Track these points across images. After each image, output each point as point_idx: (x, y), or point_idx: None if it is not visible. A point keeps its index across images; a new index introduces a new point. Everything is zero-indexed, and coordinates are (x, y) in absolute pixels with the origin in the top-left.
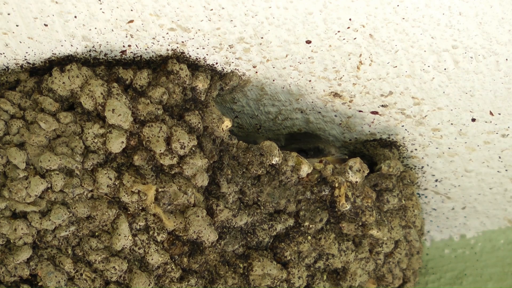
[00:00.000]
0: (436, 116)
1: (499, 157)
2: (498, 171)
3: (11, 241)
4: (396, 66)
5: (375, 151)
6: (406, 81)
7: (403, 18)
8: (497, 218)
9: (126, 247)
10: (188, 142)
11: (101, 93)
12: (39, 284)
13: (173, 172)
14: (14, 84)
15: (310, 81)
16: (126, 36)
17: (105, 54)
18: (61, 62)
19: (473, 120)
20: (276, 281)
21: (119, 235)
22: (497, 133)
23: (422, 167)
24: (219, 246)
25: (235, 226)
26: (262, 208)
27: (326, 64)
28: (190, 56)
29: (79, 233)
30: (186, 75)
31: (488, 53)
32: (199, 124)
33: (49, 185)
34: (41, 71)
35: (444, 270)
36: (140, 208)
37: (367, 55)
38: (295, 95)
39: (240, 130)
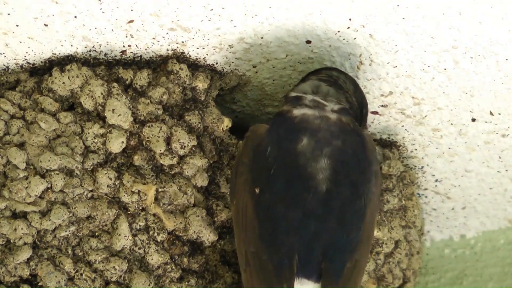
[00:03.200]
0: (436, 116)
1: (499, 157)
2: (498, 171)
3: (11, 241)
4: (396, 66)
5: None
6: (406, 81)
7: (403, 18)
8: (497, 218)
9: (126, 247)
10: (188, 142)
11: (101, 93)
12: (39, 284)
13: (173, 172)
14: (14, 84)
15: None
16: (126, 36)
17: (105, 54)
18: (61, 62)
19: (473, 120)
20: None
21: (119, 235)
22: (497, 133)
23: (422, 167)
24: (219, 246)
25: None
26: None
27: (326, 64)
28: (190, 56)
29: (79, 233)
30: (186, 75)
31: (488, 53)
32: (199, 124)
33: (49, 185)
34: (41, 71)
35: (444, 270)
36: (140, 208)
37: (367, 55)
38: None
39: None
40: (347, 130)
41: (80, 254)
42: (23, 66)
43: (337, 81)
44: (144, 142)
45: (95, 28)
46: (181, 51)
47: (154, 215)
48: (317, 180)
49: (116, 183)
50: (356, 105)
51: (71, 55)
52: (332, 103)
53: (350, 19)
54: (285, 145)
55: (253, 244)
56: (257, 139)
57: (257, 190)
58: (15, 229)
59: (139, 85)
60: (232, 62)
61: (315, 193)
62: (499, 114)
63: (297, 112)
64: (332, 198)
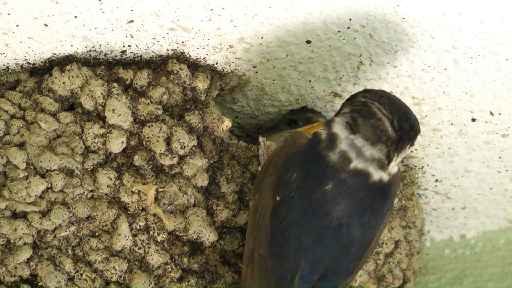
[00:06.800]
0: (436, 116)
1: (499, 157)
2: (498, 171)
3: (11, 241)
4: (396, 66)
5: None
6: (406, 81)
7: (403, 18)
8: (497, 218)
9: (126, 247)
10: (188, 142)
11: (101, 93)
12: (39, 284)
13: (173, 172)
14: (14, 84)
15: (310, 81)
16: (126, 36)
17: (105, 54)
18: (61, 62)
19: (473, 120)
20: None
21: (119, 235)
22: (497, 133)
23: (422, 167)
24: (219, 246)
25: (235, 226)
26: None
27: (326, 64)
28: (190, 56)
29: (79, 233)
30: (186, 75)
31: (488, 53)
32: (199, 124)
33: (49, 185)
34: (41, 71)
35: (444, 270)
36: (140, 208)
37: (367, 55)
38: (295, 95)
39: (240, 130)
40: (371, 187)
41: (80, 254)
42: (23, 66)
43: (371, 111)
44: (144, 142)
45: (95, 28)
46: (181, 51)
47: (154, 215)
48: (332, 217)
49: (116, 183)
50: (395, 132)
51: (71, 55)
52: (366, 158)
53: (350, 19)
54: (311, 181)
55: (263, 248)
56: (294, 148)
57: (277, 198)
58: (15, 229)
59: (139, 85)
60: (232, 62)
61: (328, 227)
62: (499, 114)
63: (332, 157)
64: (341, 234)
